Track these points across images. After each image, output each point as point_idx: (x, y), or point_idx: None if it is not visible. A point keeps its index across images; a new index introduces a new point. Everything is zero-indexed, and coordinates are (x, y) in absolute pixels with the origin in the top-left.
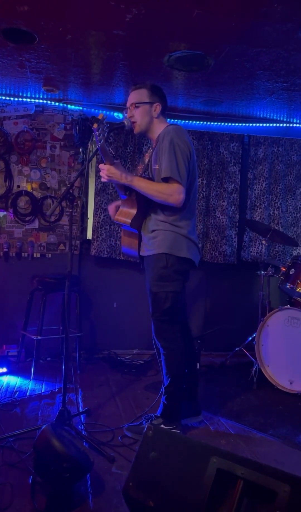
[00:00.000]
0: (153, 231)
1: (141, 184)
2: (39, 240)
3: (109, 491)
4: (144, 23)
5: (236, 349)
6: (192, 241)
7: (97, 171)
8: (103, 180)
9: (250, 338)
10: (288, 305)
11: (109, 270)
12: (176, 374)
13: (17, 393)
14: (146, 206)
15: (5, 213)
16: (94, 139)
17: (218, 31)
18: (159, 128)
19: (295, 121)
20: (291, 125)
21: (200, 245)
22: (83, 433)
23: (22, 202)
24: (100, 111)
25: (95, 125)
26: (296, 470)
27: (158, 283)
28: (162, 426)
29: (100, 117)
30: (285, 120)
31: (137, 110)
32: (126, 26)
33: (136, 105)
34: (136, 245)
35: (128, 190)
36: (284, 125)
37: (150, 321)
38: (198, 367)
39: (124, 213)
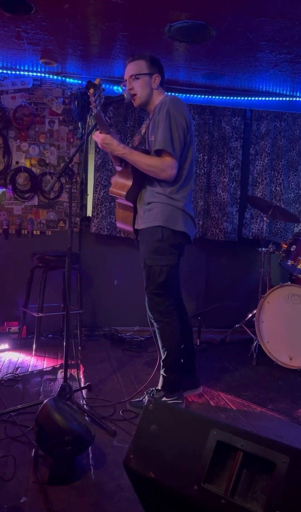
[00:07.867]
0: (149, 203)
1: (134, 158)
2: (39, 217)
3: (110, 463)
4: None
5: (236, 325)
6: (188, 214)
7: (97, 146)
8: (95, 139)
9: (250, 315)
10: (289, 282)
11: (109, 247)
12: (172, 346)
13: (19, 369)
14: (142, 178)
15: (4, 190)
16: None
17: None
18: (157, 100)
19: (298, 94)
20: (294, 99)
21: (200, 222)
22: (84, 407)
23: (21, 178)
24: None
25: (91, 90)
26: (295, 443)
27: (153, 256)
28: (164, 398)
29: (96, 81)
30: (288, 93)
31: (137, 82)
32: None
33: (136, 76)
34: (131, 219)
35: (123, 162)
36: (287, 99)
37: None
38: (198, 343)
39: (120, 185)
